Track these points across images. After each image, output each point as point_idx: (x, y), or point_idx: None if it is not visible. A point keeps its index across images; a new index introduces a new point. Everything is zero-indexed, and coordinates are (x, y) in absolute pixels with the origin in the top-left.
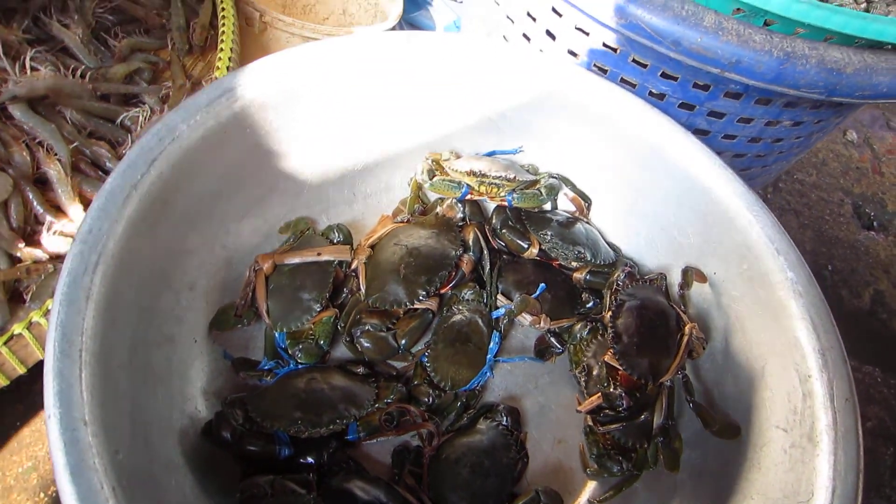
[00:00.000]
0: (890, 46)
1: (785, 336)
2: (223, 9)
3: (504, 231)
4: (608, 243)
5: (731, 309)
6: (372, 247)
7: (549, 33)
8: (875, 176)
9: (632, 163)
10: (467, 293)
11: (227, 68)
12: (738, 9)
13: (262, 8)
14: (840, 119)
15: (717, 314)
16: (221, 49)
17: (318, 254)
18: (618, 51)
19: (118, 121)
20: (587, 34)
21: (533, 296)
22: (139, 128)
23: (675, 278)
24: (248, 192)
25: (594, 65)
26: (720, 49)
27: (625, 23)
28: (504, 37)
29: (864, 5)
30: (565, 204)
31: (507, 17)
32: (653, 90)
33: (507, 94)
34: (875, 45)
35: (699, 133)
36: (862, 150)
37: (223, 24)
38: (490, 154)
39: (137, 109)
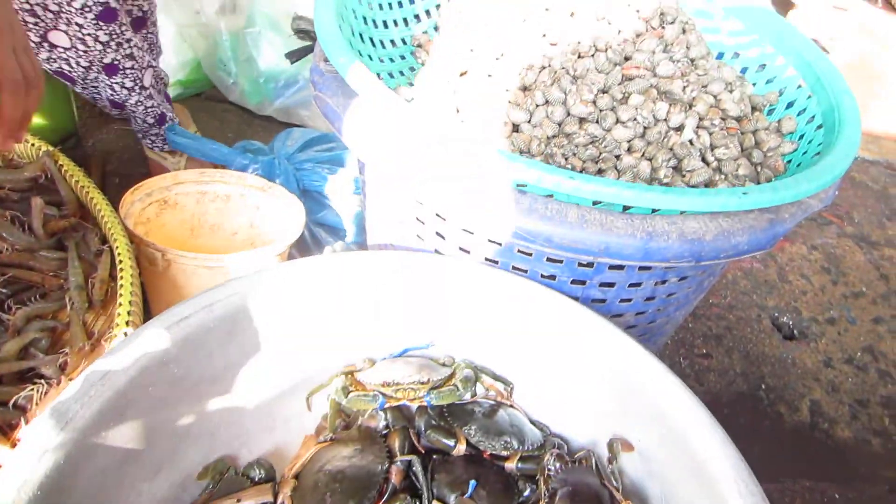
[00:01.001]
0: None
1: (713, 500)
2: (121, 260)
3: (429, 432)
4: (534, 423)
5: (662, 476)
6: (297, 476)
7: (438, 234)
8: (783, 286)
9: (542, 344)
10: None
11: (127, 322)
12: (598, 201)
13: (163, 248)
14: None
15: (650, 482)
16: (120, 304)
17: (238, 500)
18: (503, 244)
19: (10, 403)
20: (472, 233)
21: (466, 495)
22: (34, 406)
23: (604, 450)
24: (158, 447)
25: (485, 258)
26: (588, 239)
27: (499, 228)
28: (402, 237)
29: (714, 163)
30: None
31: (399, 220)
32: (543, 273)
33: (413, 297)
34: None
35: (596, 302)
36: (766, 264)
37: (121, 276)
38: (404, 352)
39: (32, 387)
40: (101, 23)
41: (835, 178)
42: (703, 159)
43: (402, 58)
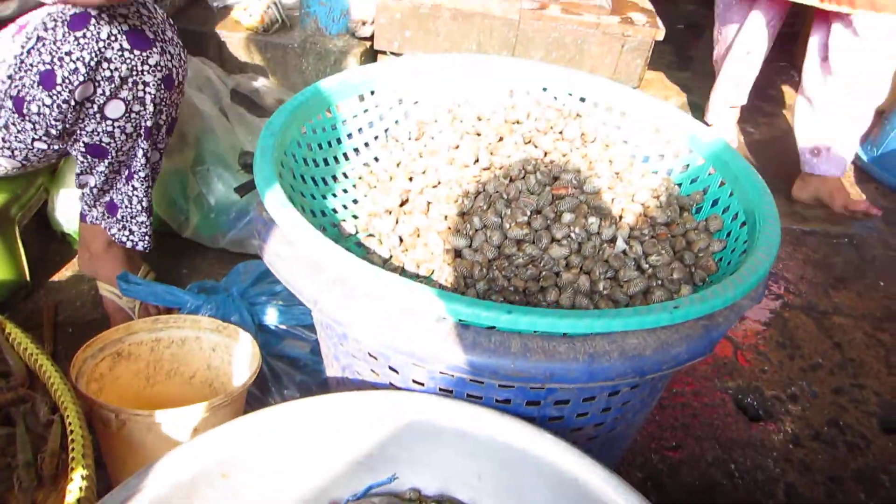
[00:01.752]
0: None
1: None
2: (73, 430)
3: None
4: None
5: None
6: None
7: (392, 369)
8: (743, 366)
9: (503, 466)
10: None
11: (79, 500)
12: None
13: (117, 408)
14: None
15: None
16: (72, 479)
17: None
18: (454, 375)
19: None
20: (422, 368)
21: None
22: None
23: None
24: None
25: (439, 388)
26: (533, 368)
27: (445, 364)
28: (357, 371)
29: (649, 270)
30: None
31: (353, 355)
32: (497, 398)
33: (370, 437)
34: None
35: (553, 420)
36: (723, 344)
37: (73, 447)
38: (367, 490)
39: None
40: (162, 86)
41: (760, 277)
42: (639, 267)
43: (345, 191)
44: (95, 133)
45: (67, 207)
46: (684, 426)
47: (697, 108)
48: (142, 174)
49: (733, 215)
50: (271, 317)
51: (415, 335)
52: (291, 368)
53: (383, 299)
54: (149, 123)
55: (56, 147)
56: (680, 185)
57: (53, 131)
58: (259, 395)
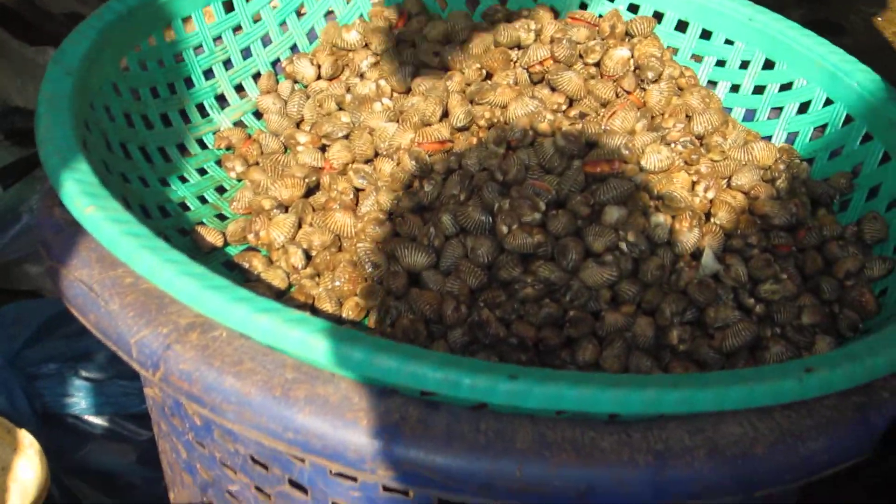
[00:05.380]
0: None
1: None
2: None
3: None
4: None
5: None
6: None
7: (295, 484)
8: None
9: None
10: None
11: None
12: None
13: None
14: None
15: None
16: None
17: None
18: (411, 495)
19: None
20: (352, 480)
21: None
22: None
23: None
24: None
25: None
26: (556, 479)
27: (397, 474)
28: (229, 493)
29: (759, 308)
30: None
31: (222, 462)
32: None
33: None
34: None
35: None
36: None
37: None
38: None
39: None
40: None
41: None
42: (740, 305)
43: (203, 172)
44: None
45: None
46: None
47: (838, 30)
48: None
49: None
50: (68, 400)
51: (338, 423)
52: (104, 491)
53: (276, 359)
54: None
55: None
56: (811, 160)
57: None
58: None
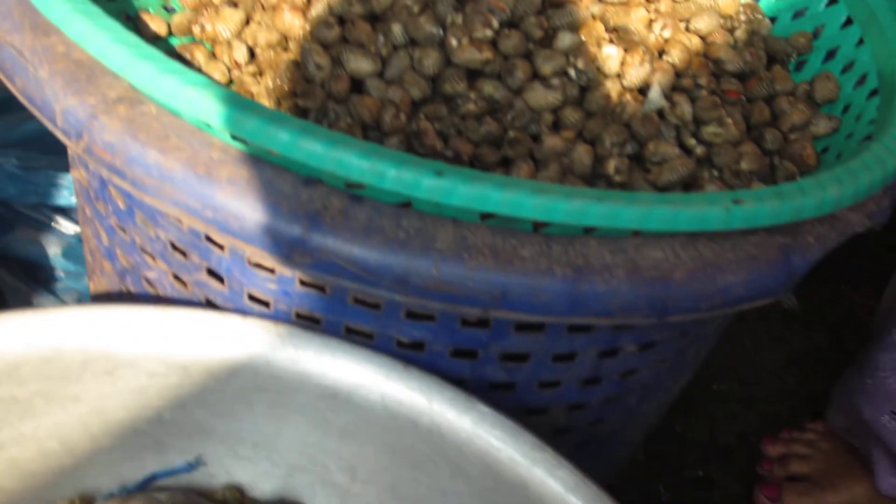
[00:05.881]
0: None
1: None
2: None
3: None
4: None
5: None
6: None
7: (213, 273)
8: (838, 359)
9: (396, 459)
10: None
11: None
12: (488, 214)
13: None
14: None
15: None
16: None
17: None
18: (327, 290)
19: None
20: (270, 272)
21: None
22: None
23: None
24: None
25: (296, 314)
26: (471, 280)
27: (313, 261)
28: (148, 280)
29: (700, 150)
30: None
31: (142, 248)
32: (402, 339)
33: (158, 387)
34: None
35: (498, 389)
36: (811, 327)
37: None
38: (147, 482)
39: None
40: None
41: (889, 173)
42: (682, 143)
43: None
44: None
45: None
46: (724, 449)
47: None
48: None
49: (858, 78)
50: None
51: (258, 205)
52: (25, 282)
53: (204, 139)
54: None
55: None
56: (774, 18)
57: None
58: None
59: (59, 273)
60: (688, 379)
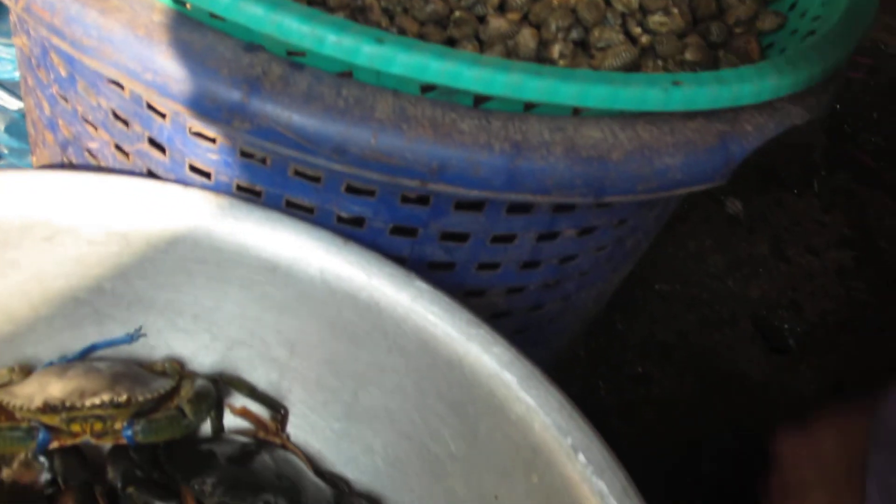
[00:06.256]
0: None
1: None
2: None
3: (131, 490)
4: (322, 474)
5: None
6: None
7: (154, 142)
8: (778, 264)
9: (334, 334)
10: None
11: None
12: (431, 86)
13: None
14: (671, 200)
15: None
16: None
17: None
18: (267, 161)
19: None
20: (212, 140)
21: None
22: None
23: None
24: None
25: (238, 185)
26: (409, 151)
27: (252, 127)
28: (89, 151)
29: (645, 38)
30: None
31: (83, 118)
32: (342, 213)
33: (97, 255)
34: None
35: (438, 268)
36: (755, 229)
37: None
38: (87, 352)
39: None
40: None
41: (829, 67)
42: (627, 31)
43: None
44: None
45: None
46: (663, 346)
47: None
48: None
49: None
50: None
51: (199, 69)
52: None
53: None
54: None
55: None
56: None
57: None
58: None
59: (3, 149)
60: (628, 270)
